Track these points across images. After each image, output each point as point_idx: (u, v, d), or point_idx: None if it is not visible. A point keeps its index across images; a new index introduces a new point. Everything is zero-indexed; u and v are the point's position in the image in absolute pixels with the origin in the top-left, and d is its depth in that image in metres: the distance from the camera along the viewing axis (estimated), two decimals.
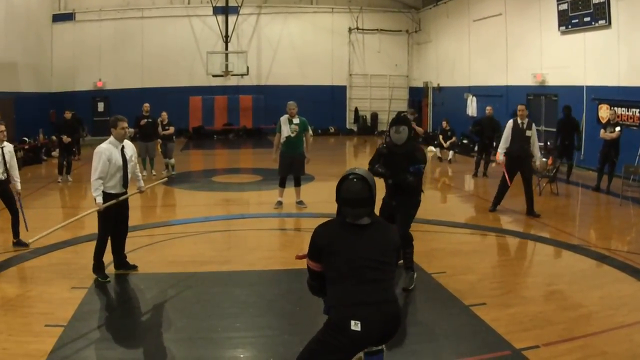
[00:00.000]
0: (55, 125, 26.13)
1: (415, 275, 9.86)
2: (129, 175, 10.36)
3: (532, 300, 9.41)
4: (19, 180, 12.57)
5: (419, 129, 22.03)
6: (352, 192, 5.44)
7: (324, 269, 5.43)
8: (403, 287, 9.53)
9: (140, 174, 10.92)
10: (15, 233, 12.41)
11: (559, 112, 23.37)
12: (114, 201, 9.96)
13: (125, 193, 10.42)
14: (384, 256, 5.33)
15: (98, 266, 10.09)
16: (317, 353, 5.30)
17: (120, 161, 10.05)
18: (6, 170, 12.26)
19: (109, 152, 9.95)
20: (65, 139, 21.16)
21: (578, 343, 7.77)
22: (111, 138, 10.14)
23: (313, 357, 5.33)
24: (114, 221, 10.15)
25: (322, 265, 5.43)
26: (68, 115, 22.03)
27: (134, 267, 10.73)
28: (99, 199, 9.82)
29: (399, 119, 10.02)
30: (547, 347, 7.61)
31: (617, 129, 19.32)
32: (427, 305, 8.92)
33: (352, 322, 5.08)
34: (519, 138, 15.61)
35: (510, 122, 15.87)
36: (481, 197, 19.47)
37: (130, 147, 10.44)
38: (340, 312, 5.21)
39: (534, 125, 15.71)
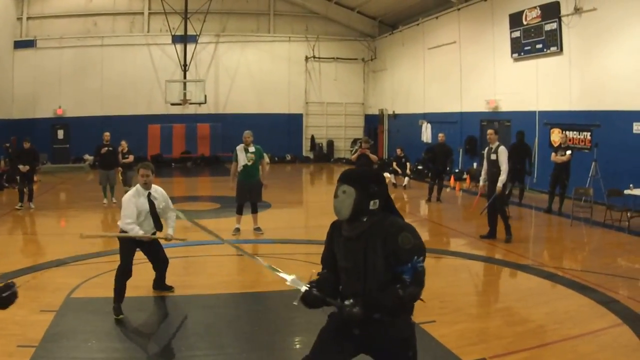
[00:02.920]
0: (13, 153, 26.14)
1: None
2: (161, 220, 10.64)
3: (480, 316, 9.82)
4: None
5: (374, 157, 22.31)
6: None
7: None
8: None
9: (173, 222, 10.96)
10: None
11: (512, 138, 23.85)
12: (145, 235, 10.22)
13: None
14: None
15: (115, 297, 9.91)
16: None
17: (147, 207, 10.28)
18: None
19: (135, 199, 10.20)
20: (23, 167, 21.21)
21: (523, 355, 8.12)
22: (137, 185, 10.40)
23: None
24: (132, 256, 10.32)
25: None
26: (27, 144, 22.06)
27: (170, 288, 11.18)
28: (140, 232, 10.09)
29: (344, 174, 5.33)
30: (493, 359, 7.96)
31: (568, 152, 19.84)
32: None
33: None
34: (487, 162, 15.93)
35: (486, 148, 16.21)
36: (435, 221, 19.91)
37: (159, 194, 10.61)
38: None
39: (500, 148, 15.70)
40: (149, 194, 10.34)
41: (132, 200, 10.16)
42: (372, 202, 5.06)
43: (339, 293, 5.32)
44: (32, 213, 20.88)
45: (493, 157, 15.70)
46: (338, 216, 5.20)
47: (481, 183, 16.69)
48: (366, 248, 5.05)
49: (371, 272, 5.04)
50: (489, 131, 16.28)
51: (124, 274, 9.92)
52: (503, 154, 15.59)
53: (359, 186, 5.08)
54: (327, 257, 5.53)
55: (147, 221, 10.30)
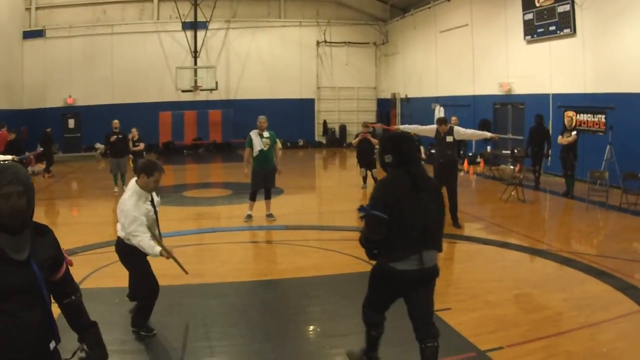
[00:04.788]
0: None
1: None
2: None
3: (496, 304, 9.62)
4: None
5: (375, 141, 21.96)
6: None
7: None
8: None
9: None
10: None
11: (526, 121, 23.72)
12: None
13: None
14: None
15: (147, 317, 8.75)
16: None
17: (152, 213, 8.63)
18: None
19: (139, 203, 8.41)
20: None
21: (541, 343, 7.98)
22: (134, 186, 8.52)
23: None
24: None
25: None
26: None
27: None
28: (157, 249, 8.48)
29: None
30: (511, 348, 7.83)
31: (574, 133, 19.72)
32: (392, 312, 8.78)
33: None
34: (440, 144, 15.77)
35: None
36: (446, 206, 19.67)
37: (157, 199, 8.91)
38: None
39: (454, 128, 15.89)
40: (152, 198, 8.63)
41: (137, 204, 8.37)
42: (386, 157, 6.68)
43: None
44: (43, 202, 20.73)
45: (449, 139, 15.59)
46: None
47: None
48: None
49: None
50: (442, 127, 15.83)
51: (156, 295, 8.79)
52: (461, 130, 16.21)
53: (380, 144, 7.09)
54: None
55: (152, 230, 8.61)
